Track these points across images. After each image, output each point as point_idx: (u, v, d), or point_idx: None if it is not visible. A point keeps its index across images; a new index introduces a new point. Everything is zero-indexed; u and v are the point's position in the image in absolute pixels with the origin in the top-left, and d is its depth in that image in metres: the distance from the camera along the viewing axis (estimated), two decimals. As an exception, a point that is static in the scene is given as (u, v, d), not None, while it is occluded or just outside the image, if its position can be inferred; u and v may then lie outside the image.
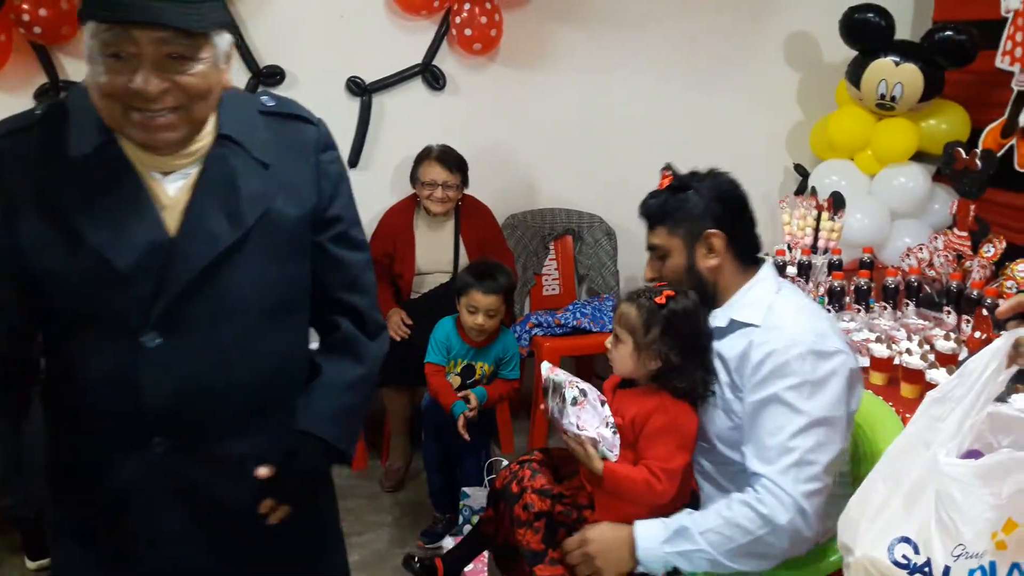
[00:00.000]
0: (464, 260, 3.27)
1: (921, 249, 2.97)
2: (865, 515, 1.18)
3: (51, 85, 3.17)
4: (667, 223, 1.74)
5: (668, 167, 1.84)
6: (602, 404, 1.72)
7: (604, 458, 1.69)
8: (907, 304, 2.70)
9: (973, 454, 1.10)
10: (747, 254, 1.75)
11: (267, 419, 1.34)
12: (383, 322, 1.49)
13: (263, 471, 1.30)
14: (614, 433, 1.69)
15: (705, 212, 1.70)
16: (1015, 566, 1.03)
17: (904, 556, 1.10)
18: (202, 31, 1.18)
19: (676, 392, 1.70)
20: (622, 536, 1.66)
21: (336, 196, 1.41)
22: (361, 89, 3.41)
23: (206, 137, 1.28)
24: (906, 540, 1.11)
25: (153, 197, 1.26)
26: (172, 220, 1.26)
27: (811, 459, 1.56)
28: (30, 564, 2.64)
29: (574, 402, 1.68)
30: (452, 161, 3.15)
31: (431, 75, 3.47)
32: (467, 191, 3.26)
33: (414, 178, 3.21)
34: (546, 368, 1.82)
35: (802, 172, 3.72)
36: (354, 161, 3.45)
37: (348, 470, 3.20)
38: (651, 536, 1.64)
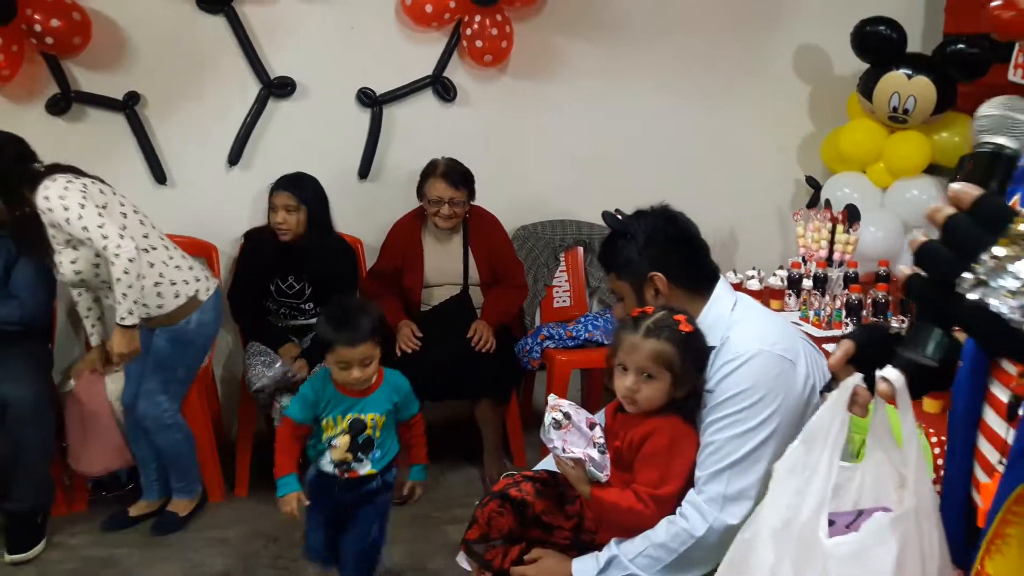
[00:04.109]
0: (474, 272, 3.25)
1: (937, 262, 2.94)
2: None
3: (62, 96, 3.16)
4: (613, 271, 1.82)
5: (605, 215, 1.87)
6: (591, 427, 1.71)
7: (595, 480, 1.68)
8: (924, 317, 2.67)
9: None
10: (695, 283, 1.76)
11: None
12: None
13: None
14: (602, 453, 1.68)
15: (641, 256, 1.75)
16: None
17: None
18: None
19: (691, 416, 1.68)
20: (560, 573, 1.70)
21: None
22: (372, 100, 3.40)
23: None
24: None
25: None
26: None
27: (744, 468, 1.58)
28: (7, 558, 2.67)
29: (557, 425, 1.68)
30: (458, 177, 3.12)
31: (441, 87, 3.46)
32: (476, 202, 3.25)
33: (420, 193, 3.19)
34: (552, 400, 1.78)
35: (814, 184, 3.71)
36: (364, 172, 3.44)
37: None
38: (586, 571, 1.68)
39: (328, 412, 2.17)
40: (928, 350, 0.81)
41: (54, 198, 2.47)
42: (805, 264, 3.04)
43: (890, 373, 0.89)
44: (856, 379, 0.99)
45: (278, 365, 2.95)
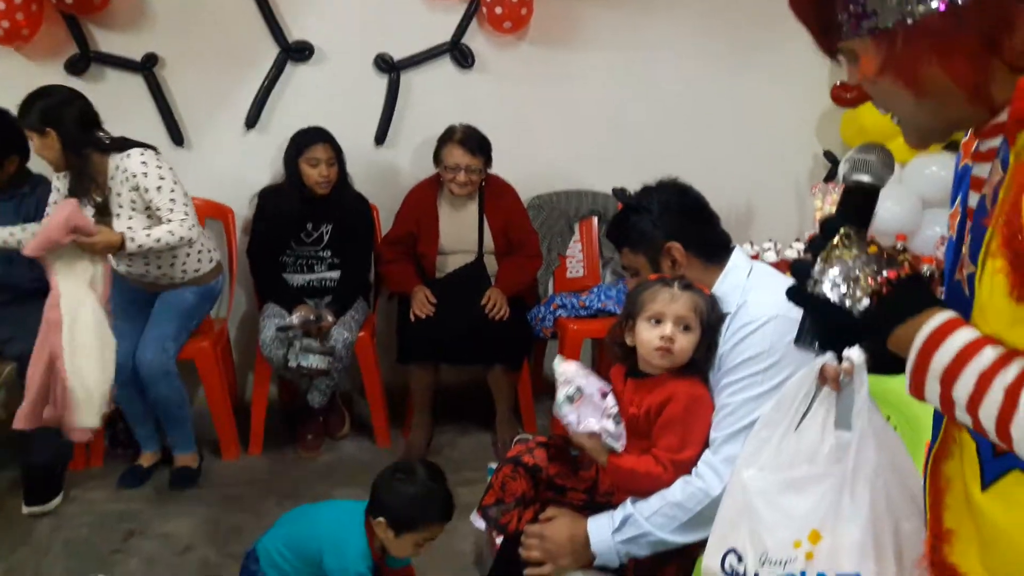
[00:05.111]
0: (488, 240, 3.25)
1: (954, 238, 2.93)
2: (713, 531, 1.34)
3: (81, 56, 3.17)
4: (627, 245, 1.83)
5: (616, 193, 1.90)
6: (603, 396, 1.72)
7: (611, 450, 1.70)
8: (942, 291, 2.66)
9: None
10: (710, 253, 1.78)
11: None
12: None
13: None
14: (617, 423, 1.70)
15: (657, 228, 1.77)
16: (821, 575, 1.15)
17: (731, 566, 1.26)
18: None
19: (704, 376, 1.71)
20: (577, 533, 1.74)
21: None
22: (389, 66, 3.39)
23: None
24: (733, 551, 1.26)
25: None
26: None
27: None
28: (24, 509, 2.71)
29: (570, 400, 1.71)
30: (475, 144, 3.12)
31: (460, 53, 3.44)
32: (492, 170, 3.25)
33: (437, 159, 3.19)
34: (558, 362, 1.81)
35: (832, 159, 3.68)
36: (380, 138, 3.44)
37: (373, 444, 3.22)
38: (602, 528, 1.72)
39: None
40: (815, 344, 1.01)
41: (152, 164, 2.68)
42: (821, 238, 3.03)
43: (852, 353, 1.07)
44: (825, 357, 1.16)
45: (296, 315, 2.98)
